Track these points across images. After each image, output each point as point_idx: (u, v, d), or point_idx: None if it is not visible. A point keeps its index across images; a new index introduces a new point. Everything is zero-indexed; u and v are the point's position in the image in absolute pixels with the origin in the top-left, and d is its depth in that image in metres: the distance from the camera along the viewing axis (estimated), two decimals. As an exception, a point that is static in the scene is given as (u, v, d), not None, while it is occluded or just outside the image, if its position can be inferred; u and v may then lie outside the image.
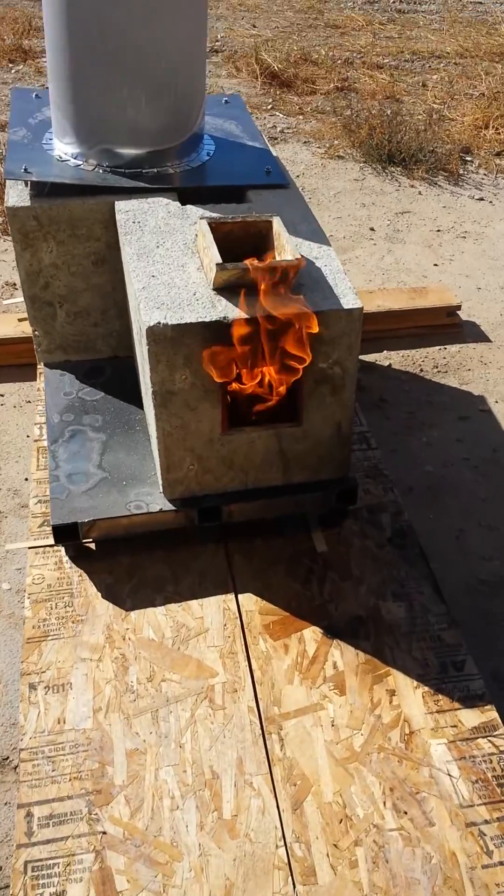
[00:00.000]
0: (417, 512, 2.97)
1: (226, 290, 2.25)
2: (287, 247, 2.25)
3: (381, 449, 3.09)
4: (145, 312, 2.19)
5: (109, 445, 2.69)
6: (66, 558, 2.57)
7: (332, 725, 2.18)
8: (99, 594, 2.47)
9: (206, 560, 2.60)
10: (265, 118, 6.52)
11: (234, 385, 2.29)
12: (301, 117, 6.53)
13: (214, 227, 2.37)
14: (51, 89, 2.81)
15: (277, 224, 2.37)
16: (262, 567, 2.59)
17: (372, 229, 4.98)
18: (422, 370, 3.74)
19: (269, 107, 6.68)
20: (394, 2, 9.43)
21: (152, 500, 2.51)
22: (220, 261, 2.17)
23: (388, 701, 2.25)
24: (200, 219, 2.37)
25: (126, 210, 2.66)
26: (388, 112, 6.08)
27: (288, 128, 6.38)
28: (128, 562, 2.58)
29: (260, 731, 2.16)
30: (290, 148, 6.05)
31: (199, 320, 2.17)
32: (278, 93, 6.91)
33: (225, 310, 2.21)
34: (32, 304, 2.92)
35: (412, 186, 5.52)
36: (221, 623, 2.42)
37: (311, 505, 2.60)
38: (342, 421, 2.46)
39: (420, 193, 5.44)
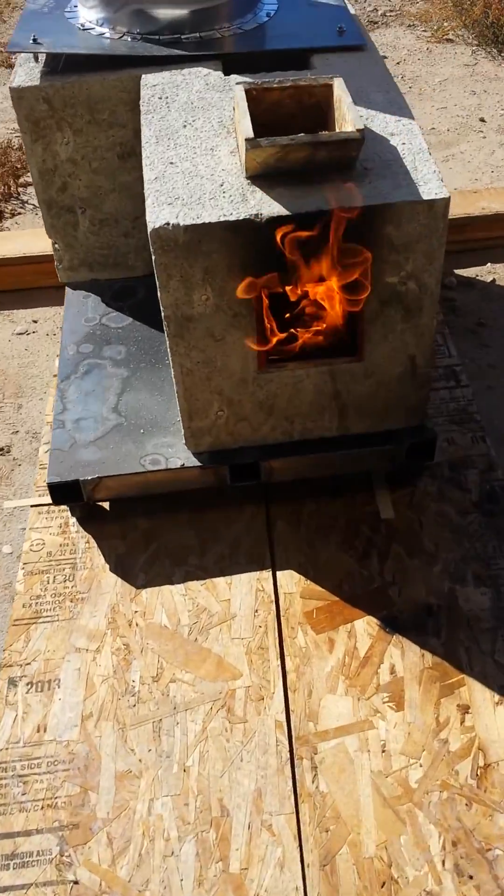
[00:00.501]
0: (516, 468, 2.38)
1: (263, 177, 1.69)
2: (349, 116, 1.66)
3: (473, 386, 2.49)
4: (151, 210, 1.66)
5: (130, 383, 2.21)
6: (73, 520, 2.13)
7: (383, 751, 1.69)
8: (107, 566, 2.02)
9: (242, 525, 2.11)
10: (367, 1, 5.70)
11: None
12: (407, -3, 5.67)
13: (255, 94, 1.79)
14: None
15: (339, 88, 1.76)
16: (309, 536, 2.08)
17: (482, 120, 4.22)
18: (533, 288, 3.07)
19: (373, -14, 5.83)
20: None
21: (173, 453, 2.02)
22: (251, 135, 1.60)
23: (458, 720, 1.73)
24: (237, 84, 1.79)
25: (153, 84, 2.10)
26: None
27: (391, 10, 5.54)
28: (146, 525, 2.12)
29: (288, 755, 1.69)
30: (391, 33, 5.24)
31: (223, 219, 1.63)
32: (383, -30, 6.04)
33: (259, 204, 1.65)
34: (49, 211, 2.42)
35: (534, 71, 4.66)
36: (252, 608, 1.94)
37: (375, 461, 2.06)
38: (417, 354, 1.88)
39: (543, 79, 4.59)
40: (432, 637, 1.87)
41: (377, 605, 1.93)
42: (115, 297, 2.48)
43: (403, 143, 1.79)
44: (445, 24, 5.21)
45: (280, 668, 1.83)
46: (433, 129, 4.12)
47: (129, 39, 2.25)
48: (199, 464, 1.99)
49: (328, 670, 1.83)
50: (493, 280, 3.11)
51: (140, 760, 1.67)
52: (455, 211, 3.16)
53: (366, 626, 1.90)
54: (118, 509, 2.14)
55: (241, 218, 1.62)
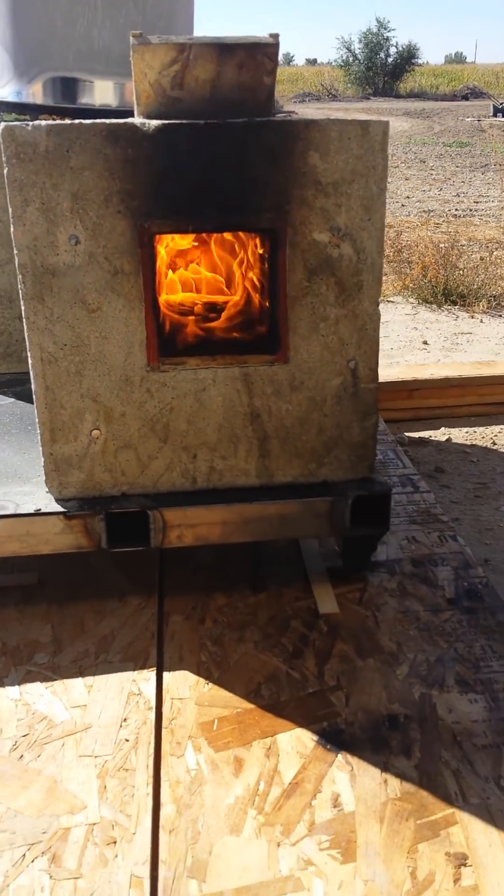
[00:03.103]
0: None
1: (162, 116, 1.35)
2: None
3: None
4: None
5: (-7, 445, 1.68)
6: None
7: (322, 932, 0.93)
8: None
9: (120, 618, 1.46)
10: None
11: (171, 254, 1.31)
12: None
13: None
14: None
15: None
16: (216, 632, 1.43)
17: (425, 342, 4.15)
18: (494, 443, 2.68)
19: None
20: (450, 210, 9.40)
21: (29, 500, 1.44)
22: (138, 31, 1.29)
23: (449, 877, 0.99)
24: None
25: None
26: (442, 248, 5.52)
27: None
28: (-18, 616, 1.47)
29: (145, 932, 0.91)
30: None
31: (100, 121, 1.26)
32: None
33: (147, 121, 1.29)
34: None
35: (472, 317, 4.75)
36: (119, 717, 1.24)
37: (308, 525, 1.48)
38: (358, 359, 1.42)
39: (482, 322, 4.65)
40: (399, 756, 1.17)
41: (313, 716, 1.25)
42: (3, 385, 2.04)
43: (332, 116, 1.49)
44: (388, 289, 5.45)
45: (151, 797, 1.10)
46: (377, 342, 4.02)
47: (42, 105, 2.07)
48: (62, 510, 1.40)
49: (230, 802, 1.10)
50: (448, 438, 2.73)
51: None
52: (402, 376, 2.90)
53: (294, 742, 1.20)
54: None
55: (121, 122, 1.26)
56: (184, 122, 1.27)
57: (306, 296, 1.37)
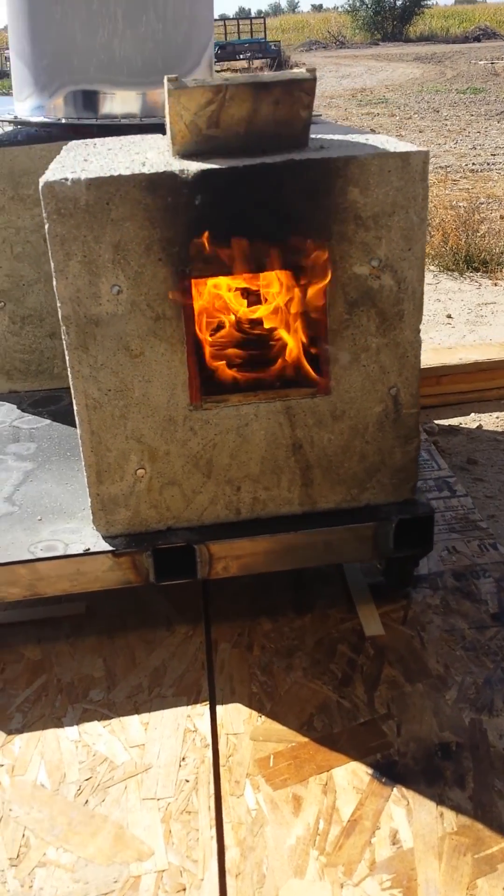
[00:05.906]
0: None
1: (195, 154, 1.35)
2: (297, 70, 1.35)
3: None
4: (48, 172, 1.30)
5: (35, 475, 1.71)
6: None
7: None
8: (-34, 701, 1.38)
9: (169, 650, 1.50)
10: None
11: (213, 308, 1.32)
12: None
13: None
14: (9, 29, 2.13)
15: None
16: (265, 660, 1.46)
17: (449, 316, 4.12)
18: (528, 431, 2.68)
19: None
20: (466, 165, 9.22)
21: (78, 538, 1.47)
22: (173, 75, 1.28)
23: None
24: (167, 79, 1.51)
25: (80, 141, 1.82)
26: (462, 213, 5.44)
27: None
28: (35, 654, 1.51)
29: None
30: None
31: (139, 172, 1.25)
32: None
33: (186, 166, 1.28)
34: (-40, 305, 2.08)
35: (496, 285, 4.70)
36: (177, 756, 1.28)
37: (352, 551, 1.50)
38: (400, 386, 1.42)
39: (507, 290, 4.59)
40: (453, 788, 1.21)
41: (366, 747, 1.28)
42: (34, 404, 2.06)
43: (367, 139, 1.48)
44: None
45: (216, 841, 1.14)
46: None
47: (65, 122, 2.06)
48: (110, 549, 1.43)
49: (292, 843, 1.14)
50: (480, 426, 2.73)
51: None
52: (431, 362, 2.88)
53: (350, 777, 1.23)
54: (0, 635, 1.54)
55: (160, 171, 1.25)
56: (222, 166, 1.26)
57: (347, 328, 1.37)
